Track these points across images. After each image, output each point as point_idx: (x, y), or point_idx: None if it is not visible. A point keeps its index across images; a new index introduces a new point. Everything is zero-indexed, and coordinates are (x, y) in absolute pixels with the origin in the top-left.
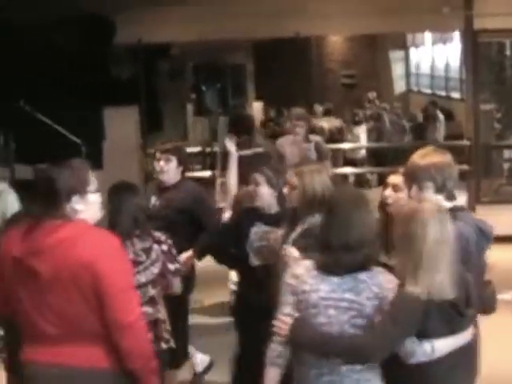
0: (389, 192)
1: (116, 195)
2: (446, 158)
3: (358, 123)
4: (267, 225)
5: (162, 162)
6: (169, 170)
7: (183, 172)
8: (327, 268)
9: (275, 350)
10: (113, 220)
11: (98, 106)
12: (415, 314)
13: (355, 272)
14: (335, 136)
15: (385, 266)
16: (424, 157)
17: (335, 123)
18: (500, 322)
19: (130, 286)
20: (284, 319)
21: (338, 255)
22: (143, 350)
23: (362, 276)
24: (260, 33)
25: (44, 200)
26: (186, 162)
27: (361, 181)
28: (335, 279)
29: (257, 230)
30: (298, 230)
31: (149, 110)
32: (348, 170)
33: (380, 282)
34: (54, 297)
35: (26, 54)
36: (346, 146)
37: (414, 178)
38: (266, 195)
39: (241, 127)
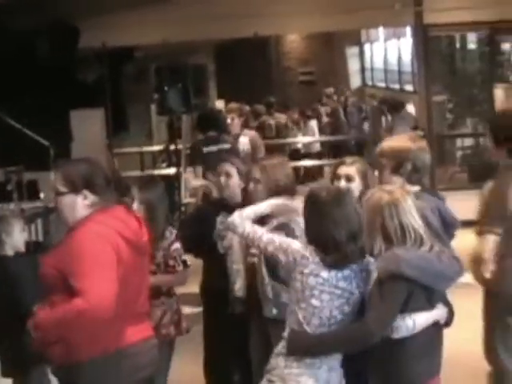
0: (343, 183)
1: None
2: (408, 143)
3: (310, 118)
4: (231, 214)
5: None
6: None
7: None
8: (335, 265)
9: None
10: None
11: (65, 108)
12: (402, 291)
13: (356, 262)
14: (282, 132)
15: None
16: (387, 141)
17: (281, 119)
18: (457, 306)
19: None
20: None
21: (347, 249)
22: None
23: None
24: (220, 34)
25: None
26: None
27: (314, 173)
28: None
29: (222, 220)
30: (274, 222)
31: (114, 111)
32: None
33: (367, 267)
34: (147, 271)
35: None
36: (302, 139)
37: (376, 162)
38: (236, 186)
39: (210, 123)
